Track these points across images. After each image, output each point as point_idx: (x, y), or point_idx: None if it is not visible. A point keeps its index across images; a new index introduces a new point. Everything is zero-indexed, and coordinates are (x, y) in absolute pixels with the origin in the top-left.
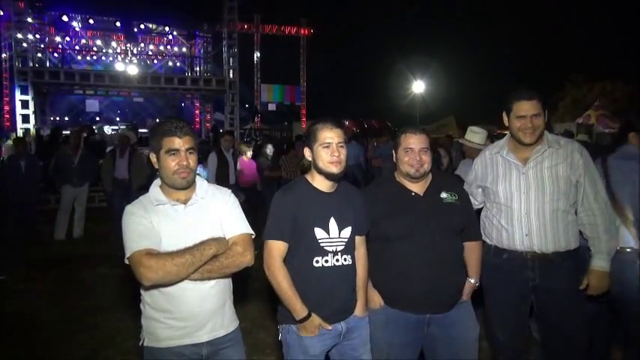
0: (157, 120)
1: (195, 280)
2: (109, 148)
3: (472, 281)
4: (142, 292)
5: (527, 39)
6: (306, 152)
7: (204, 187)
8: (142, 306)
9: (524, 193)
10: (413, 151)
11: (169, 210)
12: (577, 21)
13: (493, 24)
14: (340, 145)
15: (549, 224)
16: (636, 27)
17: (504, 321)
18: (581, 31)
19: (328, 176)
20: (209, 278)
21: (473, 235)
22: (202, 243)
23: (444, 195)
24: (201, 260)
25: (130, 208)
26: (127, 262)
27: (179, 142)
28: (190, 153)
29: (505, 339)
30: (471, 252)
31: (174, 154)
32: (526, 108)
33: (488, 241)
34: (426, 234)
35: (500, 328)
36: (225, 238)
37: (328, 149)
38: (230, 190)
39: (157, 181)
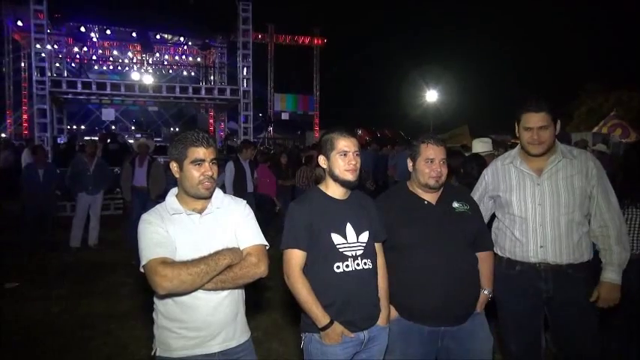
0: (172, 129)
1: (209, 289)
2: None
3: (486, 292)
4: (156, 301)
5: (542, 48)
6: (321, 160)
7: (219, 197)
8: (154, 315)
9: (540, 205)
10: (434, 162)
11: (185, 219)
12: (592, 30)
13: (507, 33)
14: (356, 153)
15: (564, 236)
16: None
17: (518, 333)
18: (596, 41)
19: (344, 183)
20: (223, 288)
21: (485, 245)
22: (217, 253)
23: (455, 205)
24: (216, 270)
25: (146, 217)
26: (142, 270)
27: (205, 153)
28: (213, 163)
29: (518, 351)
30: (484, 262)
31: (199, 164)
32: (534, 120)
33: (500, 252)
34: (439, 243)
35: (514, 341)
36: (239, 249)
37: (345, 157)
38: (245, 201)
39: (174, 190)
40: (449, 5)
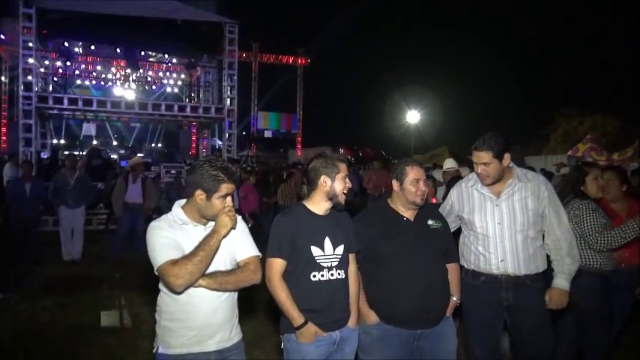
0: (153, 145)
1: (214, 289)
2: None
3: (454, 299)
4: (160, 302)
5: (520, 73)
6: (327, 181)
7: None
8: (157, 316)
9: (499, 223)
10: (420, 182)
11: (191, 230)
12: (569, 56)
13: (487, 57)
14: (349, 179)
15: (521, 250)
16: (626, 63)
17: (482, 338)
18: (573, 66)
19: (337, 205)
20: (225, 289)
21: (452, 258)
22: (206, 236)
23: (430, 222)
24: (212, 250)
25: (156, 224)
26: (156, 273)
27: (232, 188)
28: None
29: (482, 355)
30: (452, 272)
31: (225, 197)
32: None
33: (465, 265)
34: (417, 255)
35: (478, 345)
36: (220, 222)
37: (344, 182)
38: (241, 217)
39: (180, 202)
40: (430, 29)
